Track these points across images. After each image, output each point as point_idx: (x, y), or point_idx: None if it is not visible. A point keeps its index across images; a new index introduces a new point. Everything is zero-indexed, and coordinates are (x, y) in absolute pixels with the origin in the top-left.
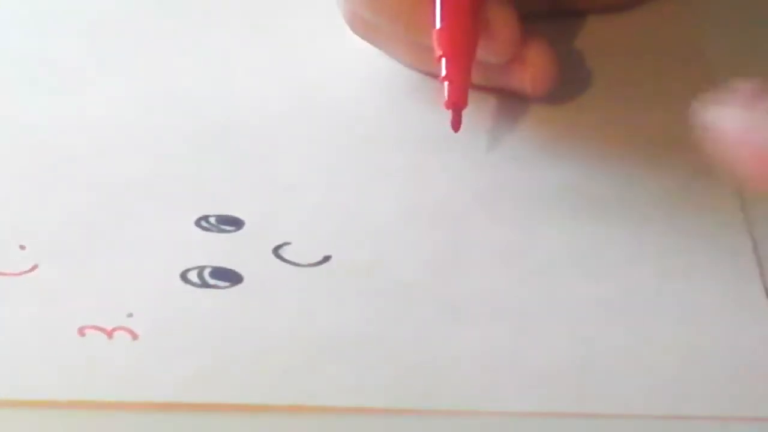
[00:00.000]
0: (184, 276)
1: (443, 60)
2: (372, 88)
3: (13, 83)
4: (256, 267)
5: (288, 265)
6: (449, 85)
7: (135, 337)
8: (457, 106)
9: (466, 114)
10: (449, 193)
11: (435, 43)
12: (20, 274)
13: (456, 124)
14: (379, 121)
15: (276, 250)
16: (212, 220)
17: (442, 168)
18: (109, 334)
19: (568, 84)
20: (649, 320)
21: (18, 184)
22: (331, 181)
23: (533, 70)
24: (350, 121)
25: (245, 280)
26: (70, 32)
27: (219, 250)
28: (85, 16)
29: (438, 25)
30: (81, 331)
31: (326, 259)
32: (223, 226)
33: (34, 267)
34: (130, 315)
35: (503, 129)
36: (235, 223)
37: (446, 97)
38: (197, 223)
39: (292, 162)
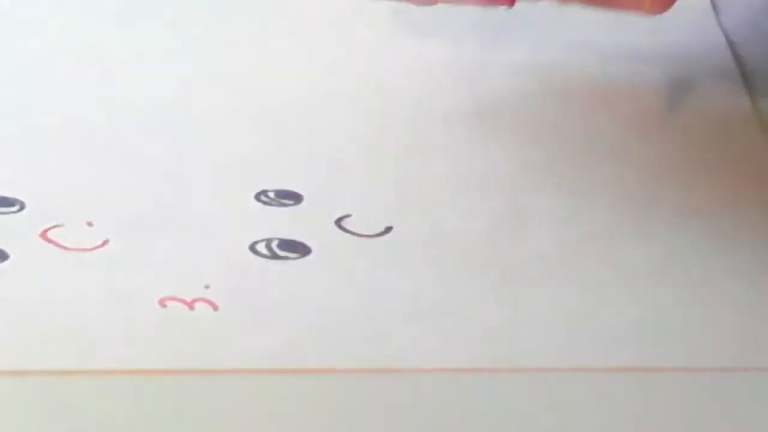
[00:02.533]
0: (253, 248)
1: None
2: (420, 69)
3: (64, 67)
4: (322, 238)
5: (353, 236)
6: None
7: (216, 308)
8: None
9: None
10: (499, 163)
11: None
12: (93, 249)
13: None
14: (428, 97)
15: (338, 222)
16: (271, 194)
17: (490, 139)
18: (190, 305)
19: None
20: (705, 279)
21: (77, 164)
22: (382, 154)
23: None
24: (400, 97)
25: (314, 251)
26: (121, 16)
27: (282, 223)
28: None
29: None
30: (162, 302)
31: (388, 230)
32: (283, 200)
33: (105, 242)
34: (207, 287)
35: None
36: (294, 197)
37: None
38: (257, 197)
39: (343, 137)
